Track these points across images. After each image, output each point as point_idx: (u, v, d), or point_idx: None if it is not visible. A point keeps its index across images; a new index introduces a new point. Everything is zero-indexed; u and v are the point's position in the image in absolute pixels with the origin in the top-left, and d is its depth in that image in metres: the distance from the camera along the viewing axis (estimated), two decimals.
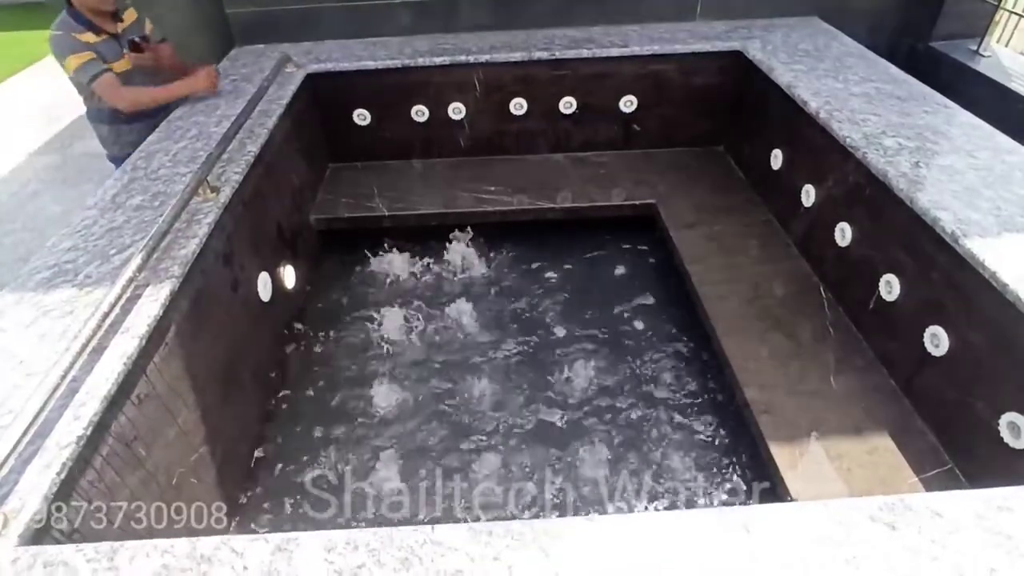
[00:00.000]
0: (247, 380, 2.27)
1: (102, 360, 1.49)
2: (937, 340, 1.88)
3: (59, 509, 1.26)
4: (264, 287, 2.46)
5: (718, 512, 1.13)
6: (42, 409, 1.30)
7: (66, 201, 4.65)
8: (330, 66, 3.24)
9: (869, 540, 1.06)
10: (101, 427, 1.42)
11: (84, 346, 1.44)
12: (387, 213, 3.24)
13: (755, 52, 3.11)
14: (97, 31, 2.45)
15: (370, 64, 3.25)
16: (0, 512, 1.17)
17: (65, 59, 2.40)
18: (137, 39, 2.62)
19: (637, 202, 3.26)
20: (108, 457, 1.44)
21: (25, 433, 1.25)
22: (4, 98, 6.55)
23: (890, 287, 2.09)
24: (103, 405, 1.41)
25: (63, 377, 1.37)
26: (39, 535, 1.20)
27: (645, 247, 3.24)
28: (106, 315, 1.53)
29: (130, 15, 2.61)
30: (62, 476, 1.27)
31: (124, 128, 2.51)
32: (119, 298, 1.59)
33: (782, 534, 1.08)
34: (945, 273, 1.84)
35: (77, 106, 6.35)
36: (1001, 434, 1.64)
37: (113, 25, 2.53)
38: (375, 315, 2.89)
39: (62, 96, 6.42)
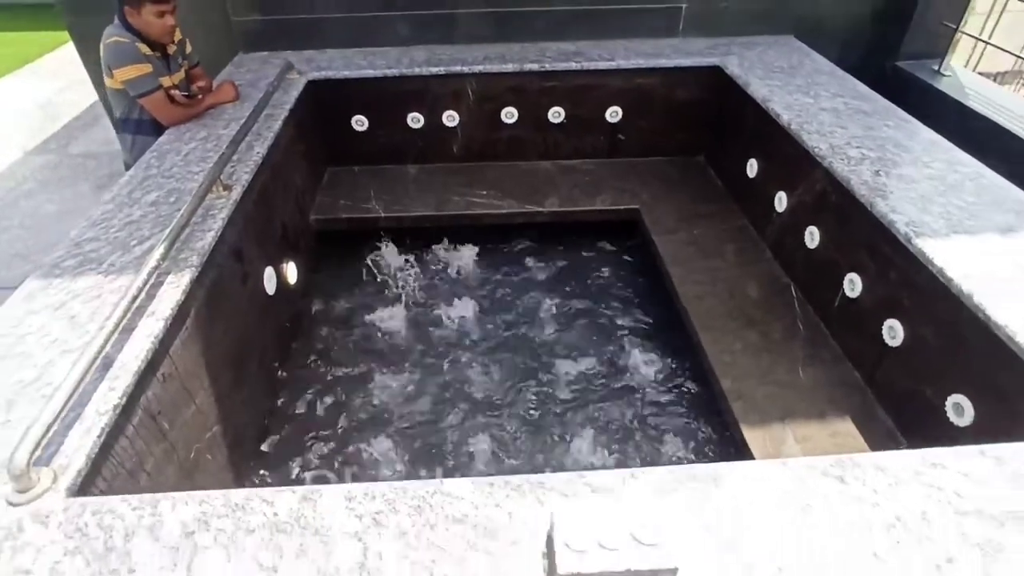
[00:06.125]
0: (254, 369, 2.39)
1: (132, 339, 1.62)
2: (894, 332, 2.06)
3: (98, 468, 1.38)
4: (269, 282, 2.59)
5: (690, 468, 1.28)
6: (81, 380, 1.43)
7: (62, 200, 4.73)
8: (330, 73, 3.39)
9: (821, 491, 1.23)
10: (132, 399, 1.54)
11: (116, 326, 1.56)
12: (383, 215, 3.38)
13: (733, 68, 3.31)
14: (152, 46, 2.56)
15: (369, 72, 3.41)
16: (50, 469, 1.30)
17: (121, 67, 2.48)
18: (185, 70, 2.80)
19: (621, 207, 3.43)
20: (138, 427, 1.56)
21: (68, 400, 1.37)
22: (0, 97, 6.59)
23: (853, 285, 2.28)
24: (134, 379, 1.54)
25: (98, 353, 1.49)
26: (84, 489, 1.32)
27: (629, 250, 3.42)
28: (135, 298, 1.66)
29: (177, 35, 2.72)
30: (102, 439, 1.39)
31: (151, 139, 2.63)
32: (145, 283, 1.71)
33: (746, 486, 1.24)
34: (901, 271, 2.03)
35: (73, 106, 6.42)
36: (947, 414, 1.83)
37: (166, 46, 2.66)
38: (372, 312, 3.03)
39: (58, 96, 6.51)
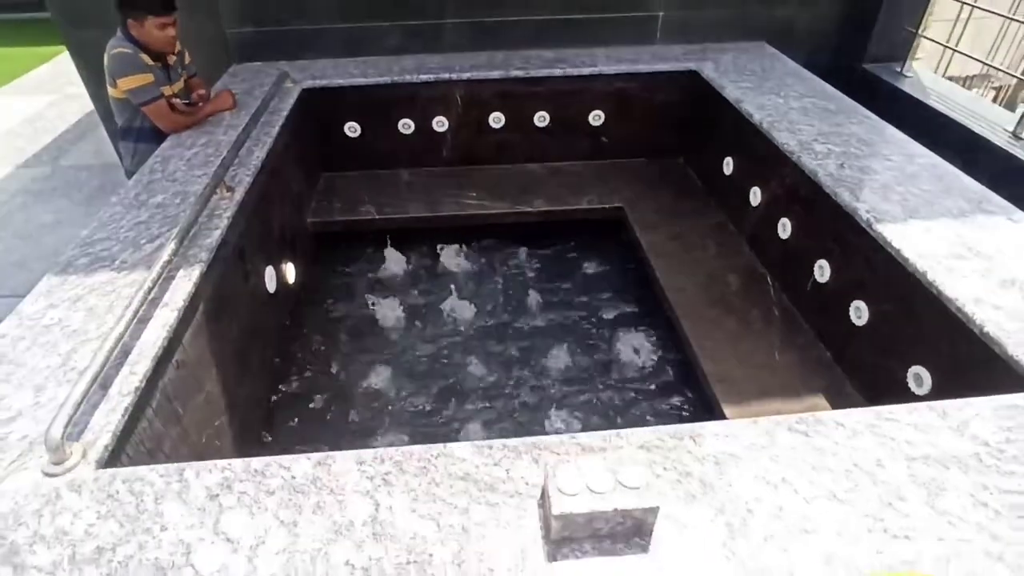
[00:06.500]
0: (255, 363, 2.50)
1: (148, 328, 1.72)
2: (860, 312, 2.22)
3: (123, 445, 1.49)
4: (270, 280, 2.69)
5: (670, 427, 1.41)
6: (105, 365, 1.53)
7: (56, 211, 4.79)
8: (324, 82, 3.51)
9: (787, 443, 1.36)
10: (151, 384, 1.65)
11: (135, 315, 1.67)
12: (377, 217, 3.50)
13: (709, 72, 3.48)
14: (153, 56, 2.68)
15: (360, 80, 3.54)
16: (80, 444, 1.40)
17: (125, 76, 2.59)
18: (184, 80, 2.92)
19: (607, 206, 3.58)
20: (156, 410, 1.67)
21: (93, 383, 1.48)
22: None
23: (822, 270, 2.44)
24: (152, 364, 1.64)
25: (119, 340, 1.60)
26: (111, 464, 1.42)
27: (614, 246, 3.56)
28: (150, 290, 1.76)
29: (177, 46, 2.83)
30: (125, 418, 1.50)
31: (152, 146, 2.74)
32: (159, 276, 1.82)
33: (721, 441, 1.37)
34: (864, 255, 2.19)
35: (62, 120, 6.48)
36: (909, 384, 1.98)
37: (167, 57, 2.77)
38: (368, 309, 3.14)
39: (47, 111, 6.57)
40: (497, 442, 1.39)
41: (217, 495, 1.29)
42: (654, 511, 1.16)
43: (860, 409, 1.45)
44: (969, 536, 1.17)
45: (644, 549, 1.17)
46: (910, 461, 1.32)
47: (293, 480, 1.31)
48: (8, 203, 4.96)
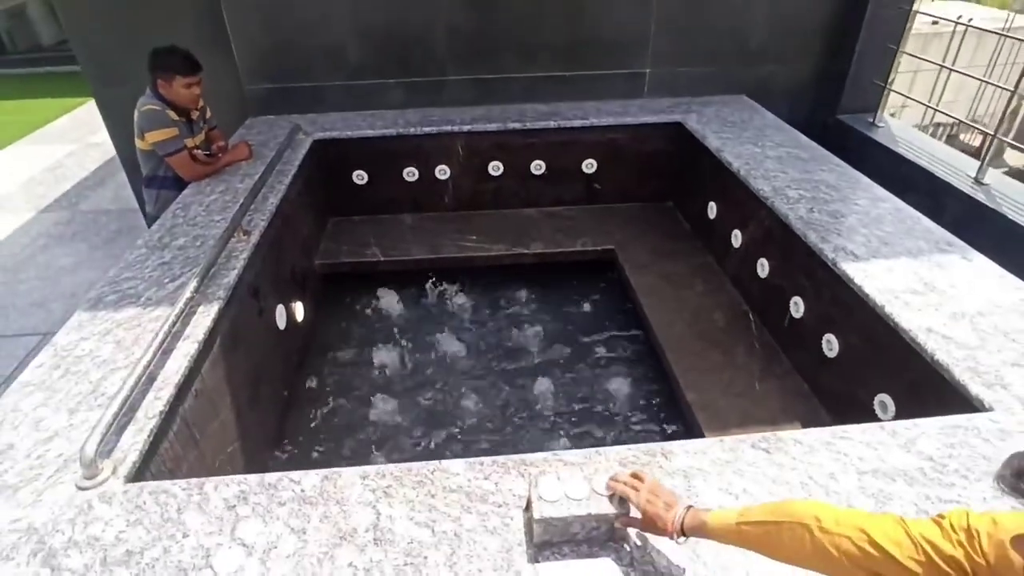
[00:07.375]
0: (266, 396, 2.64)
1: (171, 358, 1.89)
2: (831, 345, 2.37)
3: (147, 464, 1.63)
4: (280, 318, 2.87)
5: (645, 445, 1.55)
6: (133, 391, 1.69)
7: (75, 253, 5.02)
8: (334, 133, 3.77)
9: (750, 459, 1.50)
10: (173, 409, 1.80)
11: (160, 346, 1.84)
12: (382, 259, 3.70)
13: (692, 123, 3.73)
14: (179, 112, 2.95)
15: (368, 132, 3.79)
16: (110, 461, 1.55)
17: (152, 130, 2.85)
18: (206, 132, 3.18)
19: (599, 248, 3.77)
20: (177, 433, 1.81)
21: (123, 407, 1.63)
22: (11, 161, 6.96)
23: (797, 306, 2.60)
24: (175, 391, 1.80)
25: (146, 368, 1.76)
26: (137, 479, 1.57)
27: (606, 285, 3.74)
28: (173, 324, 1.94)
29: (200, 102, 3.10)
30: (150, 439, 1.65)
31: (173, 194, 2.96)
32: (182, 312, 2.00)
33: (690, 458, 1.51)
34: (832, 291, 2.36)
35: (81, 168, 6.78)
36: (876, 411, 2.12)
37: (191, 113, 3.04)
38: (372, 346, 3.30)
39: (67, 159, 6.90)
40: (487, 459, 1.53)
41: (234, 506, 1.43)
42: (625, 513, 1.29)
43: (818, 428, 1.59)
44: None
45: (617, 552, 1.30)
46: (861, 474, 1.45)
47: (302, 493, 1.46)
48: (30, 246, 5.19)
